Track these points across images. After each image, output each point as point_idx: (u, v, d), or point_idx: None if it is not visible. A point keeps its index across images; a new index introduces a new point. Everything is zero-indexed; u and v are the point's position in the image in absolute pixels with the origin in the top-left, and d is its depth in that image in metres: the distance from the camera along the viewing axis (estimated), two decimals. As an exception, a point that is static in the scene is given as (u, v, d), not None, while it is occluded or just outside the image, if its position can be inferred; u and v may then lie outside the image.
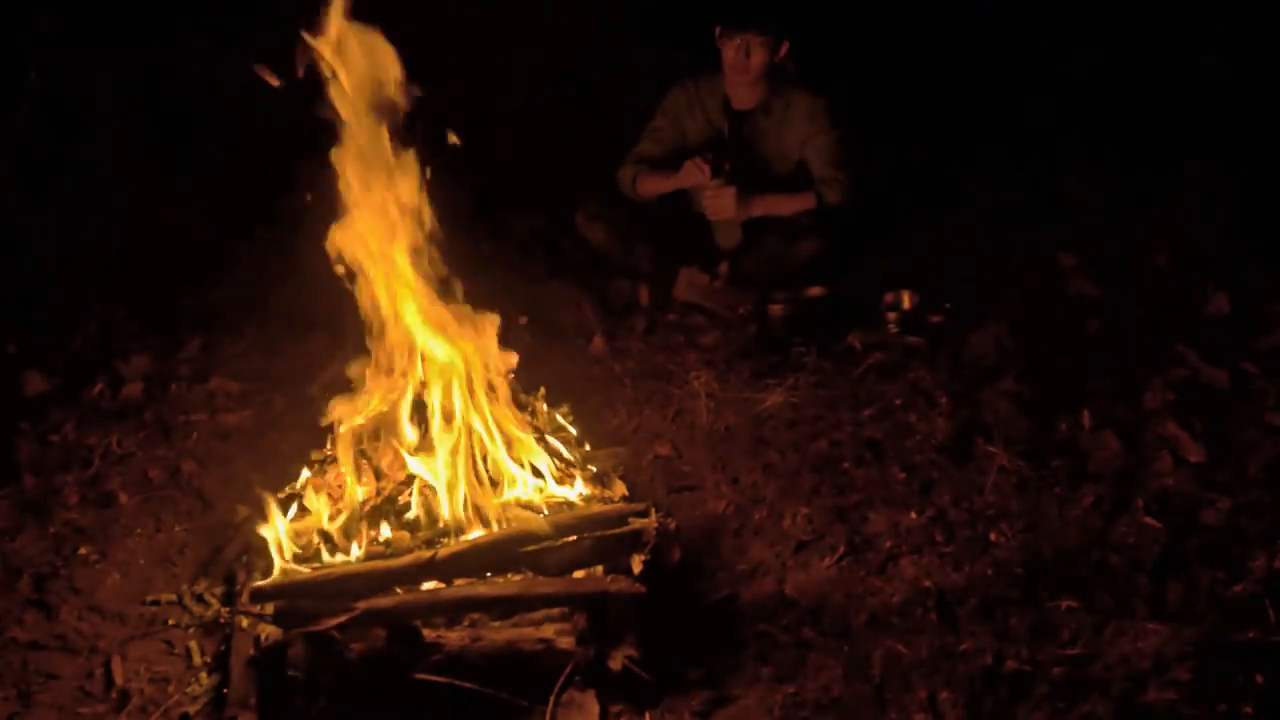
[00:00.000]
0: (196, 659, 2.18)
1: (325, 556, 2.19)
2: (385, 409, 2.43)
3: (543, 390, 2.74)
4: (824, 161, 3.73)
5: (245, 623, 2.10)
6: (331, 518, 2.27)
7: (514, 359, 2.49)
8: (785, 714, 1.91)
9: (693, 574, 2.36)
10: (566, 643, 1.99)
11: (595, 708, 1.93)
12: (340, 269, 2.32)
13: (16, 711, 2.03)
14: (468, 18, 4.46)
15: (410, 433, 2.38)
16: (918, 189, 4.21)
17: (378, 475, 2.38)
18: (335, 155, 2.26)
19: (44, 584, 2.40)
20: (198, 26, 4.17)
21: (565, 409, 2.79)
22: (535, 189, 4.35)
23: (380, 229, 2.30)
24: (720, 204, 3.69)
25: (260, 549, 2.25)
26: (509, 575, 2.11)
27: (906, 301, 3.47)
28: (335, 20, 2.18)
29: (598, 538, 2.12)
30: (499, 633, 2.02)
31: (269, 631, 2.01)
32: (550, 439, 2.54)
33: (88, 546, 2.53)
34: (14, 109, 3.99)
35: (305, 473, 2.48)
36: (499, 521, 2.25)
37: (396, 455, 2.37)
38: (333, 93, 2.21)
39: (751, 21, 3.58)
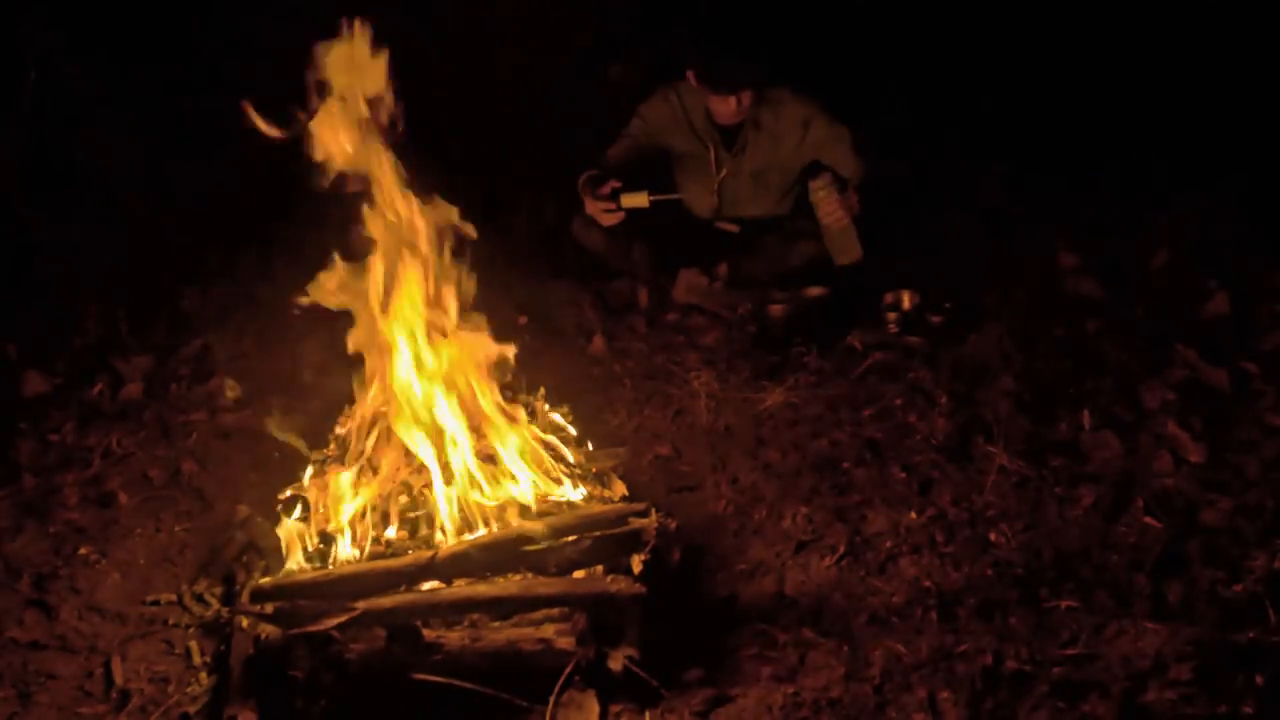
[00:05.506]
0: (196, 659, 2.18)
1: (327, 556, 2.19)
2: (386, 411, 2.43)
3: (542, 390, 2.74)
4: (845, 158, 3.64)
5: (245, 623, 2.10)
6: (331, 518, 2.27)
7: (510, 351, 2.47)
8: (785, 714, 1.91)
9: (693, 574, 2.36)
10: (566, 643, 1.99)
11: (595, 708, 1.93)
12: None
13: (16, 711, 2.03)
14: (468, 18, 4.47)
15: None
16: (918, 189, 4.20)
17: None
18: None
19: (44, 584, 2.40)
20: (201, 30, 4.18)
21: (565, 409, 2.79)
22: (535, 190, 4.36)
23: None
24: (839, 207, 3.41)
25: (261, 549, 2.25)
26: (509, 575, 2.11)
27: (906, 301, 3.46)
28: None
29: (598, 538, 2.11)
30: (499, 633, 2.02)
31: (269, 631, 2.01)
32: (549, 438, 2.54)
33: (88, 546, 2.53)
34: (15, 109, 3.99)
35: (309, 469, 2.49)
36: (498, 522, 2.25)
37: (396, 455, 2.37)
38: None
39: (740, 83, 3.43)
